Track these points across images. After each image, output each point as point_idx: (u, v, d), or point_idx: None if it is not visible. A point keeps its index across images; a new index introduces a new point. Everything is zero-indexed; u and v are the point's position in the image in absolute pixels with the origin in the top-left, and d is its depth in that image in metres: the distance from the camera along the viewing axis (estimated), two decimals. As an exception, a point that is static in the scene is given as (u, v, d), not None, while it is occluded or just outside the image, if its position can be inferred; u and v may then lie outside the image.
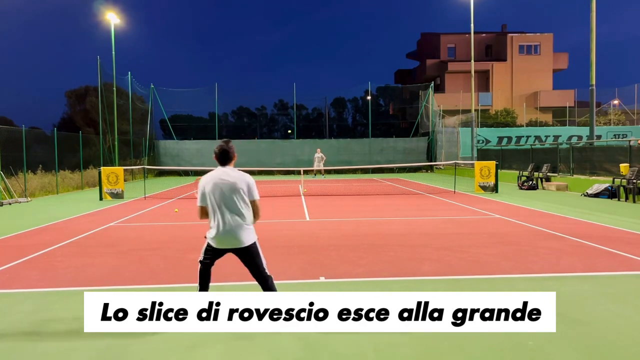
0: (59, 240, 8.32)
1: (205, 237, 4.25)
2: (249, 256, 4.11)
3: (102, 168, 16.41)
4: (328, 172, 31.76)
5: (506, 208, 12.35)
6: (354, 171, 32.63)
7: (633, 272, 5.83)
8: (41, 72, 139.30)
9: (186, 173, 32.55)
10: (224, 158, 4.18)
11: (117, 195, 16.03)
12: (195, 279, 5.70)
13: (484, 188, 16.89)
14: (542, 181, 18.57)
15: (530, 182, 18.31)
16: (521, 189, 18.25)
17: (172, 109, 36.28)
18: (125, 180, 20.79)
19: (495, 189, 16.81)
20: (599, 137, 30.00)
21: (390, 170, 32.88)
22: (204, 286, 4.32)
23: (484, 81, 45.72)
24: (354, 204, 13.57)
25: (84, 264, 6.60)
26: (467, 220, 10.24)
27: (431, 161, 33.28)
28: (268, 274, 4.18)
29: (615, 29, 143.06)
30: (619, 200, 13.99)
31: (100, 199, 15.71)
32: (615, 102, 42.26)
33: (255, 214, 4.21)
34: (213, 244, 4.14)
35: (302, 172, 22.03)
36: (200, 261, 4.30)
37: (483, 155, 26.67)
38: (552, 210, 11.80)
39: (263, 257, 4.19)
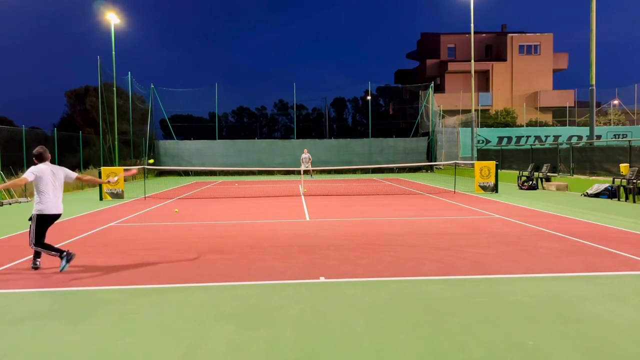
0: (59, 240, 8.31)
1: (39, 214, 6.02)
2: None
3: (102, 168, 16.41)
4: (328, 172, 31.78)
5: (506, 208, 12.35)
6: (354, 171, 32.63)
7: (633, 272, 5.83)
8: (41, 72, 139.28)
9: (186, 173, 32.55)
10: (44, 157, 6.24)
11: (117, 196, 16.03)
12: (194, 278, 5.73)
13: (484, 188, 16.89)
14: (542, 181, 18.57)
15: (530, 182, 18.31)
16: (521, 189, 18.25)
17: (172, 109, 36.30)
18: (125, 180, 20.78)
19: (495, 189, 16.81)
20: (599, 137, 29.99)
21: (390, 170, 32.89)
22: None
23: (483, 81, 45.72)
24: (354, 204, 13.57)
25: (84, 264, 6.60)
26: (467, 220, 10.24)
27: (431, 161, 33.29)
28: None
29: (615, 29, 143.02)
30: (619, 200, 13.99)
31: (100, 199, 15.71)
32: (615, 102, 42.26)
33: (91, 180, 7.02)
34: (49, 212, 6.08)
35: (302, 172, 22.04)
36: (41, 243, 6.08)
37: (483, 155, 26.67)
38: (552, 210, 11.80)
39: None
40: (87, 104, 36.26)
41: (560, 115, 43.79)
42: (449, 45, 47.69)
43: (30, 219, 6.11)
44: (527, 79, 44.61)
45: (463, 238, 8.14)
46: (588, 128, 21.00)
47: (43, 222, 6.09)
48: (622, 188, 14.11)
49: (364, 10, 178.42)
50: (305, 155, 27.78)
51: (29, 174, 6.05)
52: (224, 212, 12.18)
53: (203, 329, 4.09)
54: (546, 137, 34.52)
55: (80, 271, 6.20)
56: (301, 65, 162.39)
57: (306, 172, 28.00)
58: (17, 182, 6.24)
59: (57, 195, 6.19)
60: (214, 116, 37.07)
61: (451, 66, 45.24)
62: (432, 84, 37.14)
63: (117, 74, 27.56)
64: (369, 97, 38.81)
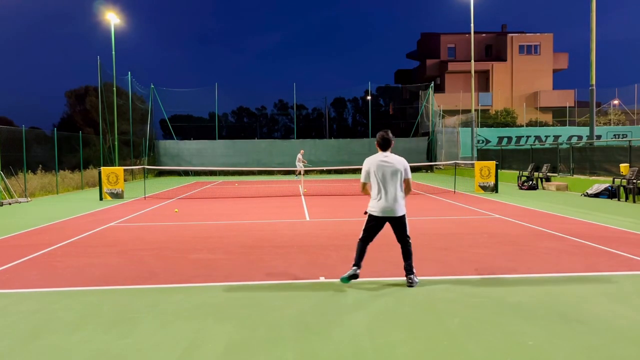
0: (59, 240, 8.32)
1: (366, 213, 5.32)
2: (401, 224, 5.25)
3: (102, 168, 16.41)
4: (329, 172, 31.76)
5: (506, 208, 12.34)
6: (354, 171, 32.58)
7: (633, 272, 5.83)
8: (41, 72, 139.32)
9: (186, 173, 32.54)
10: (382, 144, 5.26)
11: (117, 195, 16.02)
12: (194, 278, 5.73)
13: (484, 188, 16.89)
14: (542, 181, 18.56)
15: (530, 182, 18.30)
16: (521, 189, 18.24)
17: (172, 109, 36.32)
18: (125, 180, 20.79)
19: (495, 189, 16.81)
20: (599, 137, 29.98)
21: (390, 170, 32.81)
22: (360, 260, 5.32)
23: (484, 81, 45.71)
24: (354, 204, 13.56)
25: (84, 264, 6.60)
26: (467, 220, 10.24)
27: (431, 161, 33.28)
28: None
29: (615, 29, 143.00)
30: (619, 200, 13.99)
31: (100, 199, 15.71)
32: (615, 102, 42.26)
33: (407, 190, 5.29)
34: (370, 212, 5.25)
35: (302, 172, 22.03)
36: (360, 241, 5.37)
37: (483, 155, 26.67)
38: (552, 210, 11.80)
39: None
40: (87, 104, 36.27)
41: (560, 115, 43.78)
42: (449, 45, 47.68)
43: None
44: (527, 79, 44.61)
45: (463, 238, 8.14)
46: (588, 128, 20.99)
47: (368, 221, 5.34)
48: (622, 188, 14.10)
49: (364, 10, 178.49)
50: (301, 155, 27.63)
51: (362, 171, 5.31)
52: (224, 212, 12.18)
53: (203, 329, 4.09)
54: (546, 137, 34.50)
55: (80, 271, 6.20)
56: (301, 65, 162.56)
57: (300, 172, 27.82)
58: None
59: (386, 193, 5.14)
60: (214, 116, 37.10)
61: (451, 66, 45.24)
62: (432, 84, 37.13)
63: (117, 74, 27.60)
64: (369, 97, 38.82)
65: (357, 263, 5.31)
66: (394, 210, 5.15)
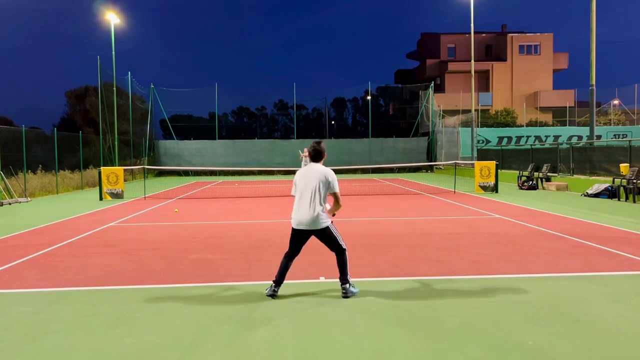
0: (59, 240, 8.32)
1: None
2: (327, 237, 4.99)
3: (102, 168, 16.41)
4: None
5: (506, 208, 12.34)
6: (354, 171, 32.60)
7: (633, 272, 5.83)
8: (41, 72, 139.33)
9: (186, 173, 32.54)
10: (313, 156, 5.04)
11: (117, 195, 16.02)
12: (194, 278, 5.73)
13: (484, 188, 16.89)
14: (542, 181, 18.56)
15: (530, 182, 18.30)
16: (521, 189, 18.25)
17: (172, 109, 36.34)
18: (125, 180, 20.78)
19: (495, 189, 16.81)
20: (599, 137, 29.99)
21: (390, 170, 32.89)
22: (281, 278, 4.97)
23: (484, 81, 45.70)
24: (354, 204, 13.56)
25: (84, 264, 6.60)
26: (467, 220, 10.24)
27: (431, 161, 33.29)
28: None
29: (615, 29, 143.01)
30: (619, 200, 13.99)
31: (100, 199, 15.70)
32: (615, 102, 42.27)
33: (336, 205, 5.07)
34: (293, 224, 4.94)
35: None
36: (285, 255, 5.04)
37: (483, 155, 26.68)
38: (552, 210, 11.80)
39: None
40: (87, 104, 36.26)
41: (560, 115, 43.78)
42: (449, 45, 47.68)
43: None
44: (527, 79, 44.61)
45: (463, 238, 8.14)
46: (588, 128, 20.99)
47: (292, 233, 5.03)
48: (622, 188, 14.10)
49: (363, 10, 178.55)
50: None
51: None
52: (224, 212, 12.18)
53: (203, 329, 4.09)
54: (546, 137, 34.51)
55: (80, 271, 6.20)
56: (301, 65, 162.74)
57: None
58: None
59: (302, 205, 4.87)
60: (214, 116, 37.09)
61: (451, 66, 45.24)
62: (432, 84, 37.14)
63: (117, 74, 27.61)
64: (369, 97, 38.81)
65: (278, 281, 4.97)
66: (312, 223, 4.84)
